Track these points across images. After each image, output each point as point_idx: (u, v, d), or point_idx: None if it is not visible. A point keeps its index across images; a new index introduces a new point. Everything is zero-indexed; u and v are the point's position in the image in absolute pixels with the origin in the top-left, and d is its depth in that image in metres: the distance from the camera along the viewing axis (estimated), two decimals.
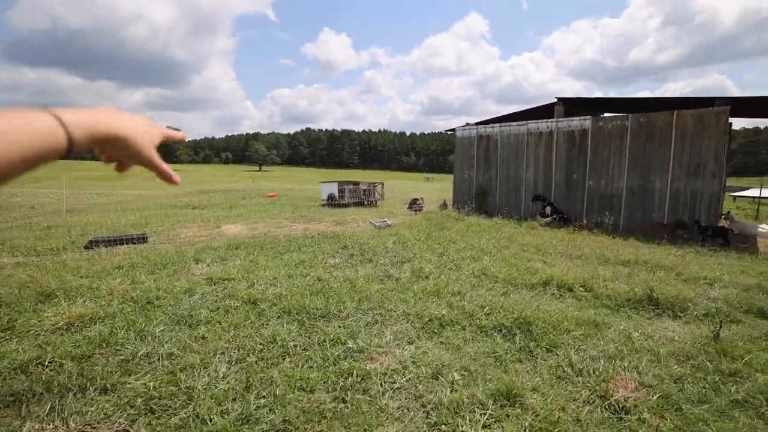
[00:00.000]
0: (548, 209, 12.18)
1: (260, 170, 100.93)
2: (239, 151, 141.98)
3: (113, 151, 0.61)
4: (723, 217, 12.23)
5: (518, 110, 14.59)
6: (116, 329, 3.82)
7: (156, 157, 0.64)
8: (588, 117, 11.83)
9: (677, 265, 6.71)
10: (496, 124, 14.29)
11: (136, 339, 3.68)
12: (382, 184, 19.52)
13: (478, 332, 4.33)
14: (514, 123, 13.69)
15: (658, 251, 8.17)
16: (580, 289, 5.43)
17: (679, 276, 6.01)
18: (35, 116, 0.49)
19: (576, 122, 12.11)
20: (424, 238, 9.46)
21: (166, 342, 3.65)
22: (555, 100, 12.70)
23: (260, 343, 3.71)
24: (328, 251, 7.85)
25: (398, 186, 35.83)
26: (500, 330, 4.34)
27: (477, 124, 15.07)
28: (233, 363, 3.38)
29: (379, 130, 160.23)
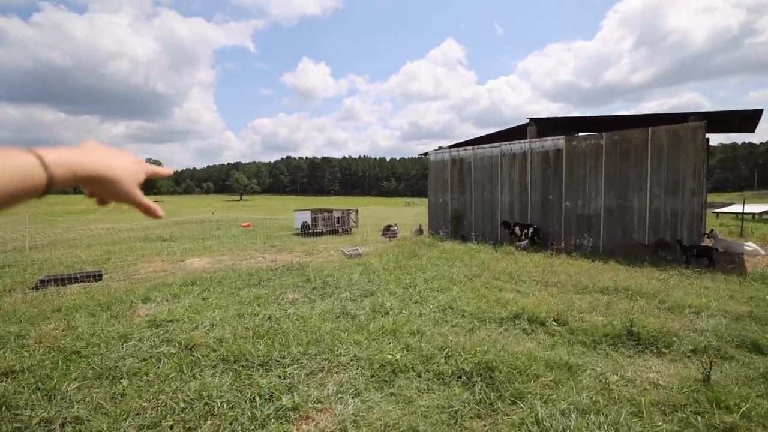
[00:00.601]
0: (519, 230, 11.69)
1: (241, 199, 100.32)
2: (220, 181, 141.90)
3: (95, 189, 0.62)
4: (706, 235, 11.87)
5: (493, 132, 14.39)
6: (24, 387, 3.39)
7: (138, 195, 0.65)
8: (561, 137, 11.56)
9: (660, 291, 6.11)
10: (470, 147, 13.98)
11: (42, 399, 3.26)
12: (357, 210, 18.94)
13: (435, 380, 3.73)
14: (487, 145, 13.39)
15: (640, 275, 7.60)
16: (553, 323, 4.78)
17: (662, 304, 5.40)
18: (15, 155, 0.50)
19: (549, 142, 11.83)
20: (393, 267, 8.82)
21: (78, 402, 3.21)
22: (527, 120, 12.48)
23: (183, 401, 3.26)
24: (288, 285, 7.37)
25: (376, 212, 35.38)
26: (460, 377, 3.74)
27: (450, 147, 14.76)
28: (145, 429, 2.90)
29: (360, 156, 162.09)
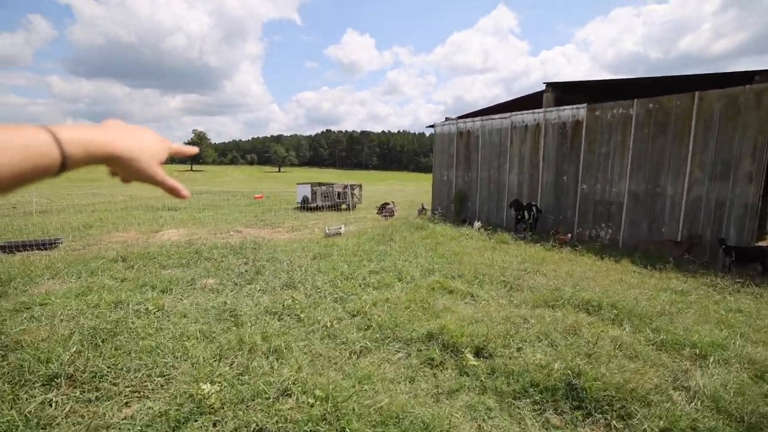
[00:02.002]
0: (528, 213, 9.85)
1: (279, 171, 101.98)
2: (263, 152, 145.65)
3: (115, 168, 0.60)
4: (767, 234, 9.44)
5: (507, 100, 12.28)
6: None
7: (159, 174, 0.62)
8: (582, 105, 9.40)
9: (664, 312, 4.34)
10: (477, 118, 12.06)
11: None
12: (360, 186, 17.61)
13: None
14: (497, 116, 11.42)
15: (652, 283, 5.74)
16: (471, 355, 3.31)
17: (654, 335, 3.71)
18: (29, 132, 0.49)
19: (567, 112, 9.71)
20: (354, 252, 7.60)
21: None
22: (544, 86, 10.34)
23: None
24: (224, 266, 6.51)
25: (391, 189, 33.92)
26: None
27: (459, 118, 12.90)
28: None
29: (399, 131, 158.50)
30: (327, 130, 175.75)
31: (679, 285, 5.64)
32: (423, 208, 14.67)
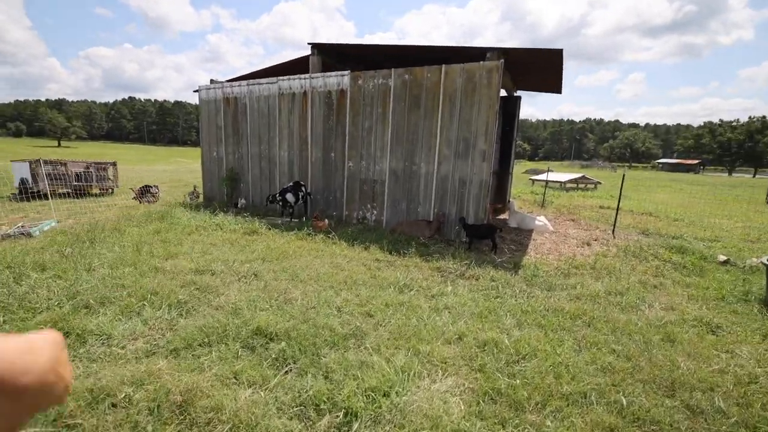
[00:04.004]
0: (293, 197, 8.61)
1: (59, 146, 78.09)
2: (35, 121, 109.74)
3: None
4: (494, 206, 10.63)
5: (277, 63, 10.64)
6: None
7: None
8: (346, 72, 8.48)
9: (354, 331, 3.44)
10: (245, 82, 10.04)
11: None
12: (114, 164, 13.49)
13: None
14: (264, 80, 9.64)
15: (381, 276, 5.07)
16: None
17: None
18: None
19: (333, 79, 8.66)
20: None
21: None
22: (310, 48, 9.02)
23: None
24: None
25: (179, 170, 29.25)
26: None
27: (228, 81, 10.58)
28: None
29: None
30: (130, 97, 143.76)
31: (406, 276, 5.07)
32: (195, 191, 11.97)
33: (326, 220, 7.52)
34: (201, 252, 5.70)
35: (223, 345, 2.97)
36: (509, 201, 9.96)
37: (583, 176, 22.81)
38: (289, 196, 8.45)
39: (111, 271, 4.52)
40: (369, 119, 8.32)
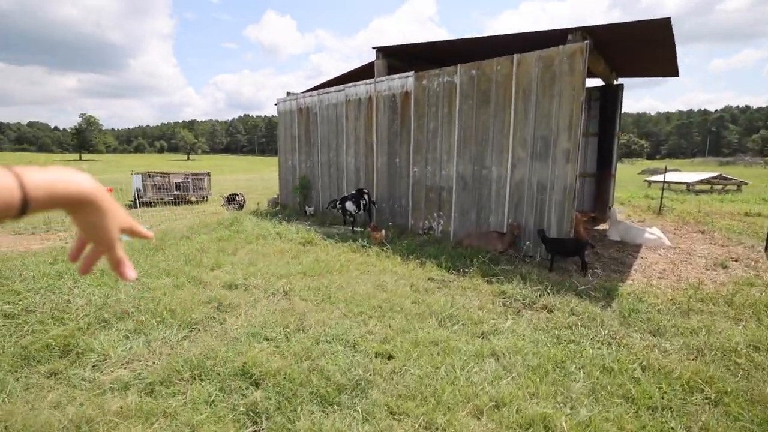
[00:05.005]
0: (354, 205, 8.21)
1: (188, 159, 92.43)
2: (173, 139, 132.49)
3: (78, 214, 0.55)
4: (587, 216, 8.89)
5: (350, 71, 10.48)
6: None
7: (116, 239, 0.59)
8: (410, 73, 7.85)
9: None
10: (315, 92, 10.11)
11: None
12: (208, 174, 14.87)
13: None
14: (333, 89, 9.56)
15: (427, 302, 4.27)
16: None
17: None
18: None
19: (397, 82, 8.11)
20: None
21: None
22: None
23: None
24: None
25: (267, 178, 31.22)
26: None
27: (303, 93, 10.82)
28: None
29: None
30: (245, 114, 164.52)
31: (457, 303, 4.20)
32: (276, 200, 12.54)
33: (383, 231, 6.97)
34: (248, 263, 5.61)
35: (202, 383, 2.57)
36: (610, 208, 8.20)
37: (720, 175, 18.50)
38: (349, 205, 8.11)
39: (150, 281, 4.58)
40: (434, 120, 7.57)
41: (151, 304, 3.93)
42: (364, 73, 9.75)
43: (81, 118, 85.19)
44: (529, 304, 4.34)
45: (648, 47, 7.15)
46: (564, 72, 5.95)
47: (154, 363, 2.99)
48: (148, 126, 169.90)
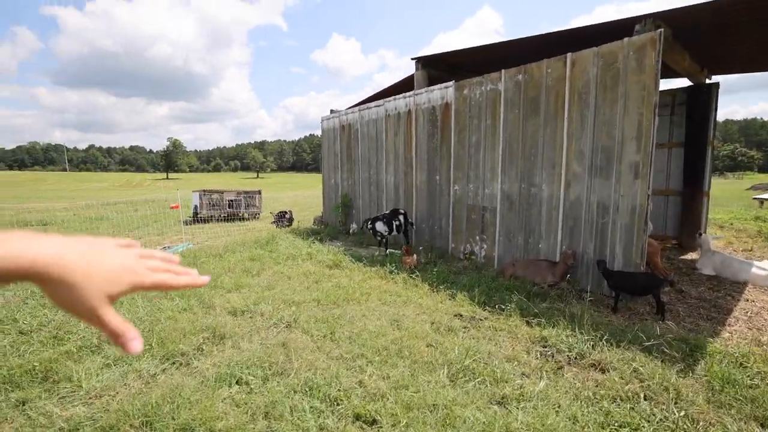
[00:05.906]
0: (385, 226, 7.65)
1: (258, 177, 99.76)
2: (245, 158, 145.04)
3: (44, 291, 0.44)
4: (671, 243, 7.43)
5: (392, 84, 10.09)
6: None
7: (102, 314, 0.45)
8: (450, 83, 7.24)
9: None
10: (356, 108, 9.91)
11: None
12: (260, 192, 15.34)
13: None
14: (373, 104, 9.26)
15: (442, 360, 3.55)
16: None
17: None
18: None
19: (437, 93, 7.54)
20: None
21: None
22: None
23: None
24: None
25: (312, 195, 31.51)
26: None
27: (346, 109, 10.72)
28: None
29: None
30: (310, 134, 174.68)
31: (483, 350, 3.43)
32: (321, 218, 12.51)
33: (414, 256, 6.32)
34: (266, 286, 5.33)
35: None
36: (701, 235, 6.69)
37: None
38: (379, 225, 7.59)
39: (158, 302, 4.46)
40: (476, 133, 6.85)
41: (147, 329, 3.76)
42: (405, 86, 9.33)
43: (168, 142, 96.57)
44: (575, 357, 3.42)
45: (758, 30, 5.75)
46: (630, 70, 4.94)
47: (119, 401, 2.73)
48: (224, 147, 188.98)
